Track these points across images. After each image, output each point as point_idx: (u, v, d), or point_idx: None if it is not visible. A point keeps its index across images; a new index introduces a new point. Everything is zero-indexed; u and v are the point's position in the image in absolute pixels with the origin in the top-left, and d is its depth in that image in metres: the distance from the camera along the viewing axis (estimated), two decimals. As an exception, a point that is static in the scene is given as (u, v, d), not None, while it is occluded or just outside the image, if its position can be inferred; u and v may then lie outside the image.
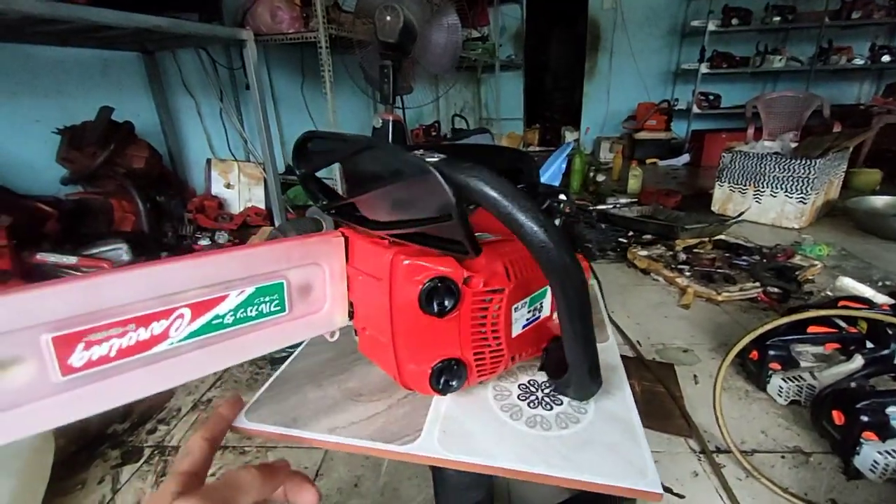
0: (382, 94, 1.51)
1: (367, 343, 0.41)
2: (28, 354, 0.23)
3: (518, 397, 0.43)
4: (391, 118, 1.51)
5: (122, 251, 1.07)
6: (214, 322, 0.30)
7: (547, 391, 0.44)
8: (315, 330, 0.38)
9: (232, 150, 1.95)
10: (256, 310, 0.32)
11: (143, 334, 0.27)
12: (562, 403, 0.42)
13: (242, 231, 1.58)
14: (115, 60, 1.54)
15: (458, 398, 0.41)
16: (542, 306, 0.43)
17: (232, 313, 0.31)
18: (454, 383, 0.38)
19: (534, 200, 0.28)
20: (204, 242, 1.39)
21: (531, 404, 0.42)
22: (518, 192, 0.28)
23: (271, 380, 0.42)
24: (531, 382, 0.45)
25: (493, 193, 0.27)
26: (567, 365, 0.39)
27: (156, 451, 0.92)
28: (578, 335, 0.35)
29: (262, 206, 1.76)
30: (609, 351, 0.47)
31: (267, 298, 0.33)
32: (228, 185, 1.72)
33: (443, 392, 0.38)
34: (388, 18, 1.37)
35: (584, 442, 0.37)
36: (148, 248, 1.19)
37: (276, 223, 1.64)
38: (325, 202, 0.40)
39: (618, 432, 0.39)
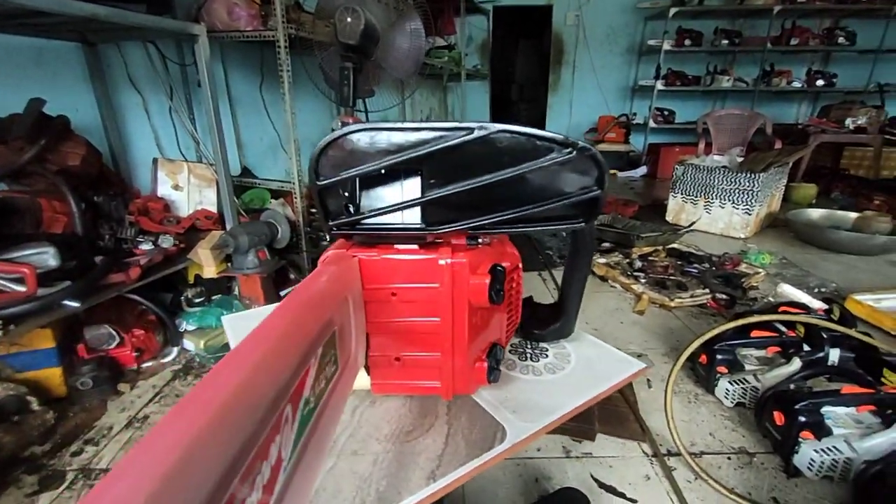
0: (342, 96, 1.48)
1: (395, 374, 0.38)
2: None
3: (520, 358, 0.49)
4: (351, 121, 1.47)
5: (47, 255, 0.97)
6: (305, 412, 0.22)
7: (531, 345, 0.51)
8: (351, 380, 0.32)
9: (182, 150, 1.85)
10: (325, 377, 0.26)
11: (265, 472, 0.17)
12: (547, 349, 0.50)
13: (190, 235, 1.49)
14: (51, 50, 1.42)
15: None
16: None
17: (312, 391, 0.24)
18: (498, 366, 0.40)
19: None
20: (146, 247, 1.29)
21: (534, 358, 0.48)
22: None
23: None
24: (513, 345, 0.52)
25: None
26: (543, 317, 0.51)
27: (80, 475, 0.84)
28: (582, 285, 0.47)
29: (214, 209, 1.67)
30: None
31: (328, 357, 0.26)
32: (177, 187, 1.62)
33: (495, 379, 0.39)
34: (349, 20, 1.35)
35: (587, 365, 0.47)
36: (80, 251, 1.10)
37: (228, 227, 1.56)
38: (342, 219, 0.35)
39: (595, 350, 0.50)
